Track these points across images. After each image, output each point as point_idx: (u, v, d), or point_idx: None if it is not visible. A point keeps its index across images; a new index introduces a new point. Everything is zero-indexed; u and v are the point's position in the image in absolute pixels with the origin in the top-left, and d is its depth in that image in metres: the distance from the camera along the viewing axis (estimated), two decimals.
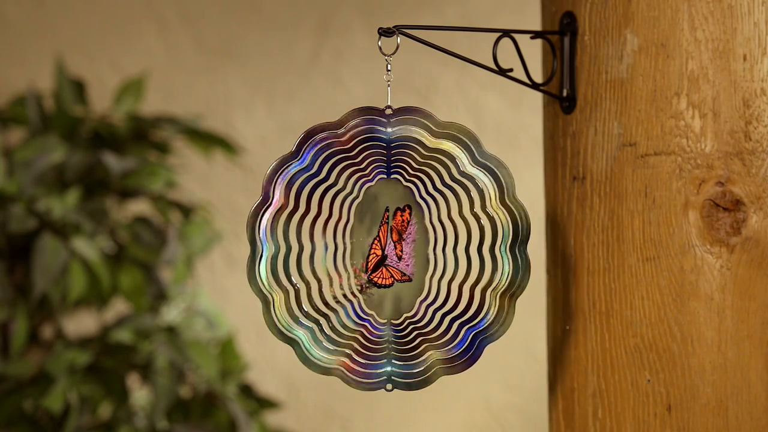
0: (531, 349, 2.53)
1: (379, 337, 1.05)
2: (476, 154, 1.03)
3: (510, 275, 1.03)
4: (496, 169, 1.03)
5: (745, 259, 1.04)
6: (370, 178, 1.04)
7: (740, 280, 1.05)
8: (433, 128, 1.03)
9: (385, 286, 1.04)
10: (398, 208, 1.04)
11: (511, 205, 1.04)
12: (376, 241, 1.04)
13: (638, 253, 1.07)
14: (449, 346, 1.04)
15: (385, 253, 1.04)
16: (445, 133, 1.03)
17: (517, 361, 2.54)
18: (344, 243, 1.04)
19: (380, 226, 1.04)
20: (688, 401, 1.06)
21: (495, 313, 1.04)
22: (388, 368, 1.04)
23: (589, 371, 1.11)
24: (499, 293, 1.04)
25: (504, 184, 1.03)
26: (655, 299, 1.07)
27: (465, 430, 2.54)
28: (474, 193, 1.04)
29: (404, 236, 1.05)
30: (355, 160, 1.03)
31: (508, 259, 1.04)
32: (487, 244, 1.04)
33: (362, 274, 1.04)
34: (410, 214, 1.05)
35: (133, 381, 2.08)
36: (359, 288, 1.04)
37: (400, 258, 1.05)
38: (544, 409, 2.35)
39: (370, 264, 1.04)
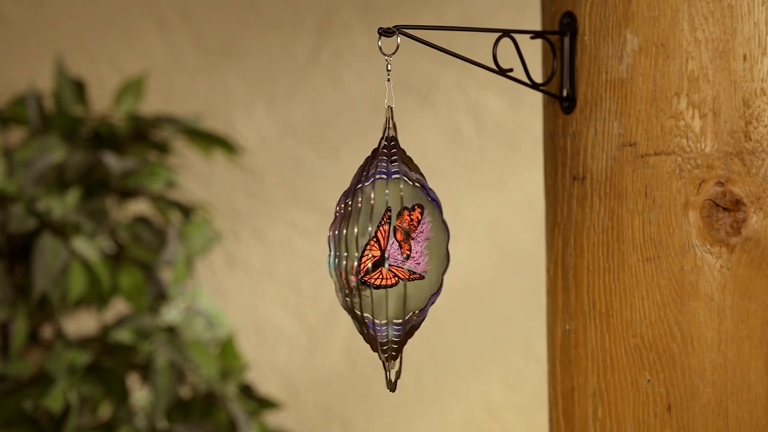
0: (531, 349, 2.53)
1: (382, 338, 1.05)
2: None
3: None
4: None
5: (745, 259, 1.04)
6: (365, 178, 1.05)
7: (740, 280, 1.05)
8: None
9: (388, 287, 1.04)
10: (405, 207, 1.04)
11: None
12: (372, 242, 1.03)
13: (638, 253, 1.07)
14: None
15: (386, 254, 1.04)
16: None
17: (517, 361, 2.54)
18: (338, 247, 1.05)
19: (378, 227, 1.04)
20: (688, 401, 1.06)
21: None
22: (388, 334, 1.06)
23: (589, 371, 1.11)
24: None
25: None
26: (655, 299, 1.07)
27: (465, 430, 2.55)
28: None
29: (413, 235, 1.05)
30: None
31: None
32: None
33: (351, 277, 1.03)
34: (422, 213, 1.05)
35: (133, 381, 2.08)
36: (347, 292, 1.04)
37: (408, 257, 1.04)
38: (544, 409, 2.35)
39: (364, 266, 1.03)
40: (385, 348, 1.06)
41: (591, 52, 1.10)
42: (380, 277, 1.04)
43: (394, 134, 1.06)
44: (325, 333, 2.52)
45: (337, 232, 1.05)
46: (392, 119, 1.06)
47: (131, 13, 2.48)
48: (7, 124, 2.06)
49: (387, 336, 1.06)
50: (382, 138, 1.06)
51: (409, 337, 1.07)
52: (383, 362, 1.07)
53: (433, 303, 1.07)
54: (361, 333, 1.07)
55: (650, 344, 1.07)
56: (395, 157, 1.06)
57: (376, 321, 1.05)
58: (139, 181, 1.97)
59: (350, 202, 1.04)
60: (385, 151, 1.06)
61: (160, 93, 2.46)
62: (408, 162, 1.06)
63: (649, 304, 1.07)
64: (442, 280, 1.06)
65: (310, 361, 2.53)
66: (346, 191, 1.06)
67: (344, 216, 1.04)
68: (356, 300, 1.04)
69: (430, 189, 1.06)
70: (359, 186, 1.04)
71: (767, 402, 1.05)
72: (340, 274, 1.04)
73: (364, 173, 1.05)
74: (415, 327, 1.07)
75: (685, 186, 1.06)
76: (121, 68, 2.46)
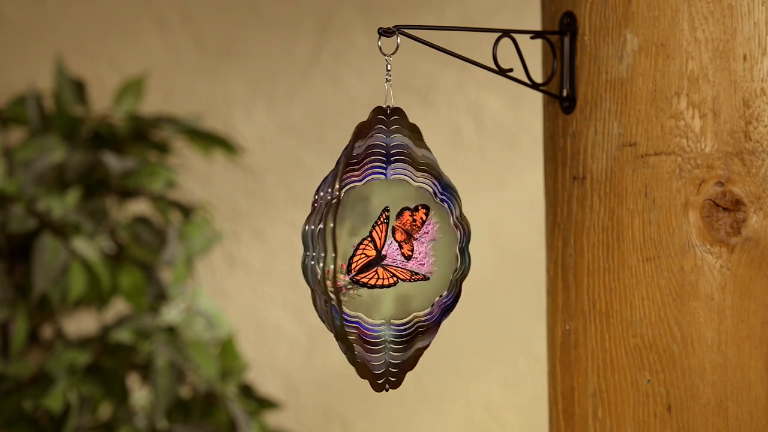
0: (531, 349, 2.53)
1: (376, 336, 1.01)
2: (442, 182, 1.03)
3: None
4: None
5: (745, 259, 1.04)
6: (358, 178, 1.00)
7: (740, 280, 1.05)
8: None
9: (385, 286, 1.00)
10: (406, 208, 1.01)
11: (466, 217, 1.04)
12: (366, 242, 0.99)
13: (638, 253, 1.07)
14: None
15: (383, 253, 1.01)
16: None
17: (517, 361, 2.54)
18: (324, 247, 0.99)
19: (374, 227, 1.00)
20: (688, 401, 1.06)
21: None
22: (386, 359, 1.02)
23: (589, 371, 1.11)
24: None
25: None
26: (655, 299, 1.07)
27: (465, 430, 2.55)
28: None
29: (417, 236, 1.01)
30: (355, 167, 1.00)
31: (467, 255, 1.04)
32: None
33: (341, 276, 0.99)
34: (426, 214, 1.01)
35: (133, 381, 2.08)
36: (332, 290, 0.99)
37: (409, 258, 1.01)
38: (544, 409, 2.35)
39: (356, 265, 0.99)
40: (380, 381, 1.01)
41: (591, 52, 1.10)
42: (375, 276, 1.00)
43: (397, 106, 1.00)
44: (325, 333, 2.52)
45: (322, 227, 0.99)
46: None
47: (131, 13, 2.48)
48: (7, 124, 2.06)
49: (383, 337, 1.02)
50: (379, 107, 1.00)
51: (411, 368, 1.03)
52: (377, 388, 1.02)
53: (445, 310, 1.03)
54: (353, 363, 1.01)
55: (650, 344, 1.07)
56: (396, 126, 1.01)
57: (370, 321, 1.01)
58: (139, 181, 1.97)
59: (338, 188, 0.99)
60: (383, 118, 1.00)
61: (160, 93, 2.46)
62: (412, 132, 1.00)
63: (649, 304, 1.07)
64: (459, 284, 1.03)
65: (310, 361, 2.53)
66: (333, 172, 1.00)
67: (328, 207, 0.98)
68: (344, 299, 0.99)
69: (442, 174, 1.02)
70: (347, 180, 0.98)
71: (767, 402, 1.05)
72: (326, 272, 0.98)
73: (356, 146, 0.99)
74: (418, 354, 1.03)
75: (685, 186, 1.06)
76: (121, 68, 2.46)
